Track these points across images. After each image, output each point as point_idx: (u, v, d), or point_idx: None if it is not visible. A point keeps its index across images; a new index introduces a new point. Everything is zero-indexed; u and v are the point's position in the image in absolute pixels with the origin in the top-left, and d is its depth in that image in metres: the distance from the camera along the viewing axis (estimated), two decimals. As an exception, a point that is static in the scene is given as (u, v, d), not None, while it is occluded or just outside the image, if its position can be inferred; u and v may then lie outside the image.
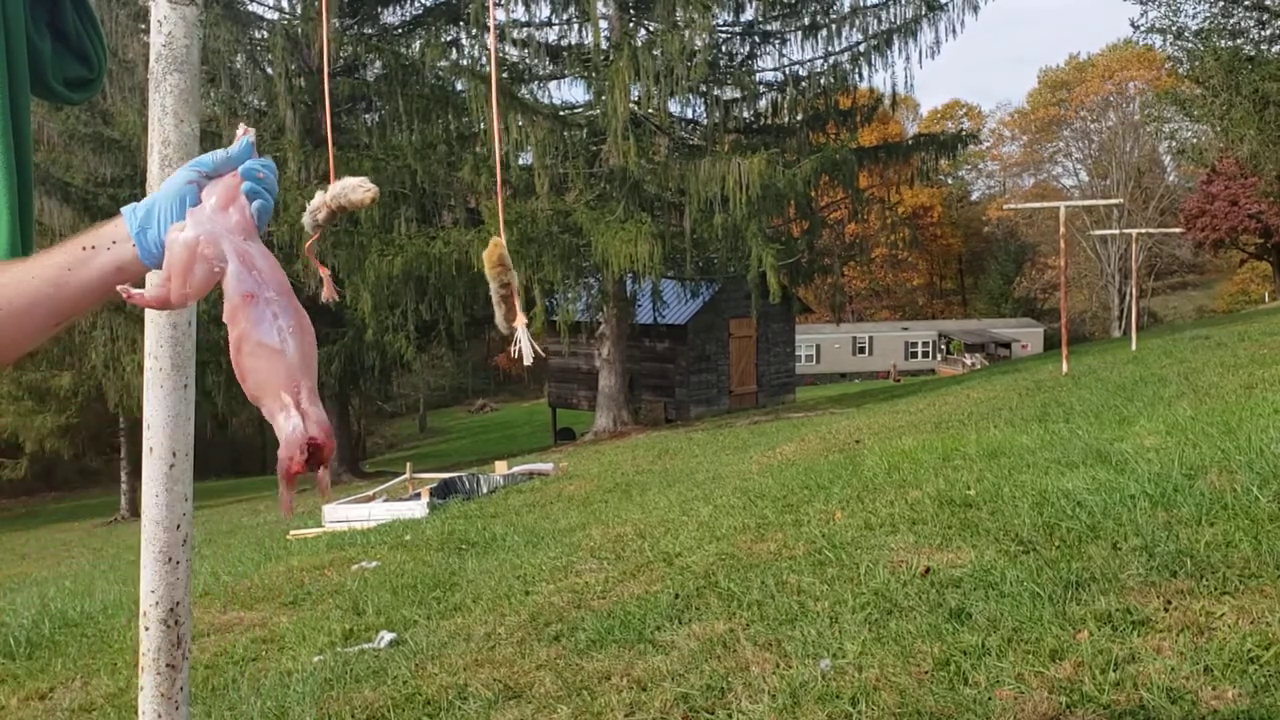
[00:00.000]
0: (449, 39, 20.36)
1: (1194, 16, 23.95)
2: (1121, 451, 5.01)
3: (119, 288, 1.00)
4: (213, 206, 0.99)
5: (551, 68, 20.38)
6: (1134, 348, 15.92)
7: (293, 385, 0.95)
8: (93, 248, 1.01)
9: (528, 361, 2.03)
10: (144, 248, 1.00)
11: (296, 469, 0.94)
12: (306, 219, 1.47)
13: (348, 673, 3.74)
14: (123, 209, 1.02)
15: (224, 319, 0.96)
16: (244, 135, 1.05)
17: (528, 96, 19.27)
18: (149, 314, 1.93)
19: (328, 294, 1.46)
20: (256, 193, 1.01)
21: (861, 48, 19.87)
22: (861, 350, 49.36)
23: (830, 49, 20.08)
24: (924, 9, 19.35)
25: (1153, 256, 52.01)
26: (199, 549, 9.93)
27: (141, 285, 1.02)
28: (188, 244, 0.96)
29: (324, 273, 1.43)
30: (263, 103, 20.06)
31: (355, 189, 1.43)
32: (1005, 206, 42.99)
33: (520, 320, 2.06)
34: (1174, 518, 3.60)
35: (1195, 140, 31.77)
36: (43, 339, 1.05)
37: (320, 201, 1.46)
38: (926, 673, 2.71)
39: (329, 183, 1.47)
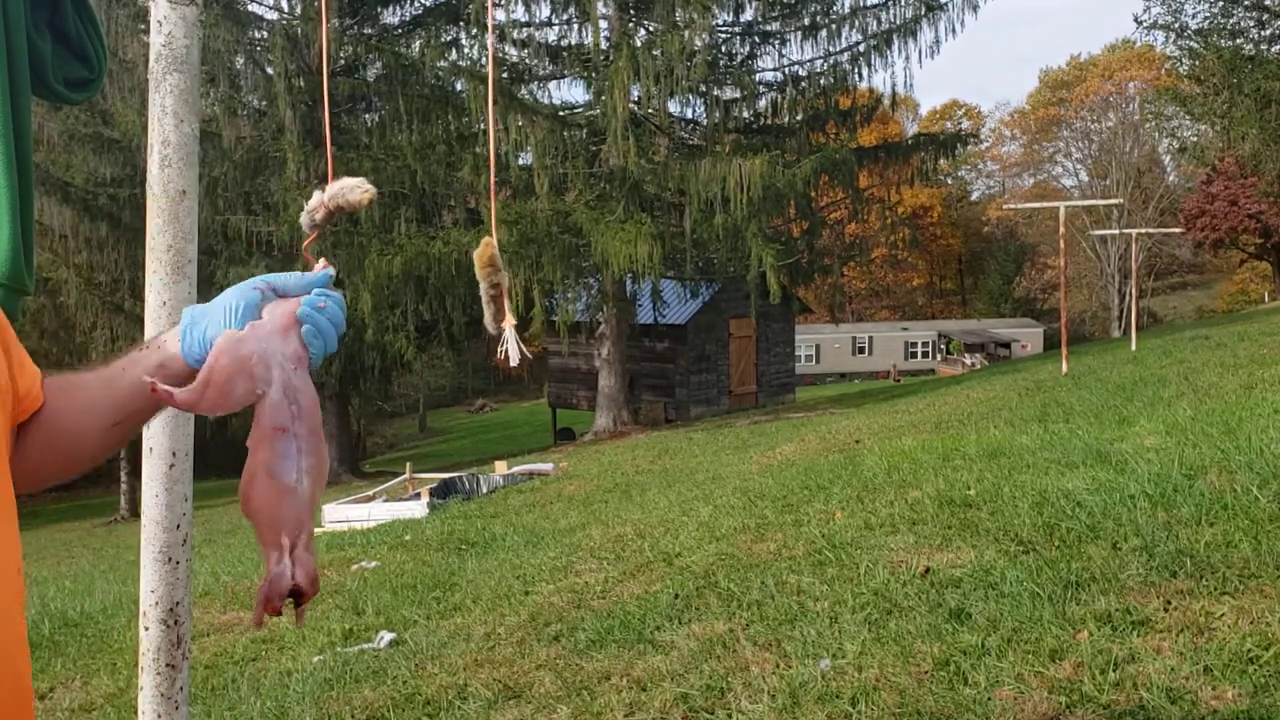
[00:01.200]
0: (449, 39, 20.36)
1: (1195, 15, 23.98)
2: (1121, 452, 5.01)
3: (145, 379, 0.96)
4: (273, 327, 0.97)
5: (551, 68, 20.39)
6: (1134, 348, 15.92)
7: (295, 529, 0.95)
8: (147, 347, 1.02)
9: (514, 362, 2.04)
10: (186, 342, 0.98)
11: (273, 611, 0.95)
12: (304, 219, 1.47)
13: (347, 673, 3.74)
14: (185, 308, 1.02)
15: (248, 443, 0.94)
16: (324, 268, 1.04)
17: (527, 97, 19.27)
18: (149, 314, 1.93)
19: None
20: (315, 327, 0.99)
21: (861, 48, 19.88)
22: (861, 350, 49.34)
23: (830, 49, 20.11)
24: (923, 9, 19.35)
25: (1152, 256, 52.00)
26: (199, 549, 9.93)
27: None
28: (239, 357, 0.94)
29: None
30: (263, 103, 20.06)
31: (353, 189, 1.43)
32: (1005, 206, 43.03)
33: (509, 321, 2.06)
34: (1174, 518, 3.59)
35: (1196, 139, 31.78)
36: (103, 444, 1.03)
37: (318, 202, 1.46)
38: (926, 673, 2.71)
39: (328, 183, 1.47)
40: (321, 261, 1.05)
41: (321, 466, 0.97)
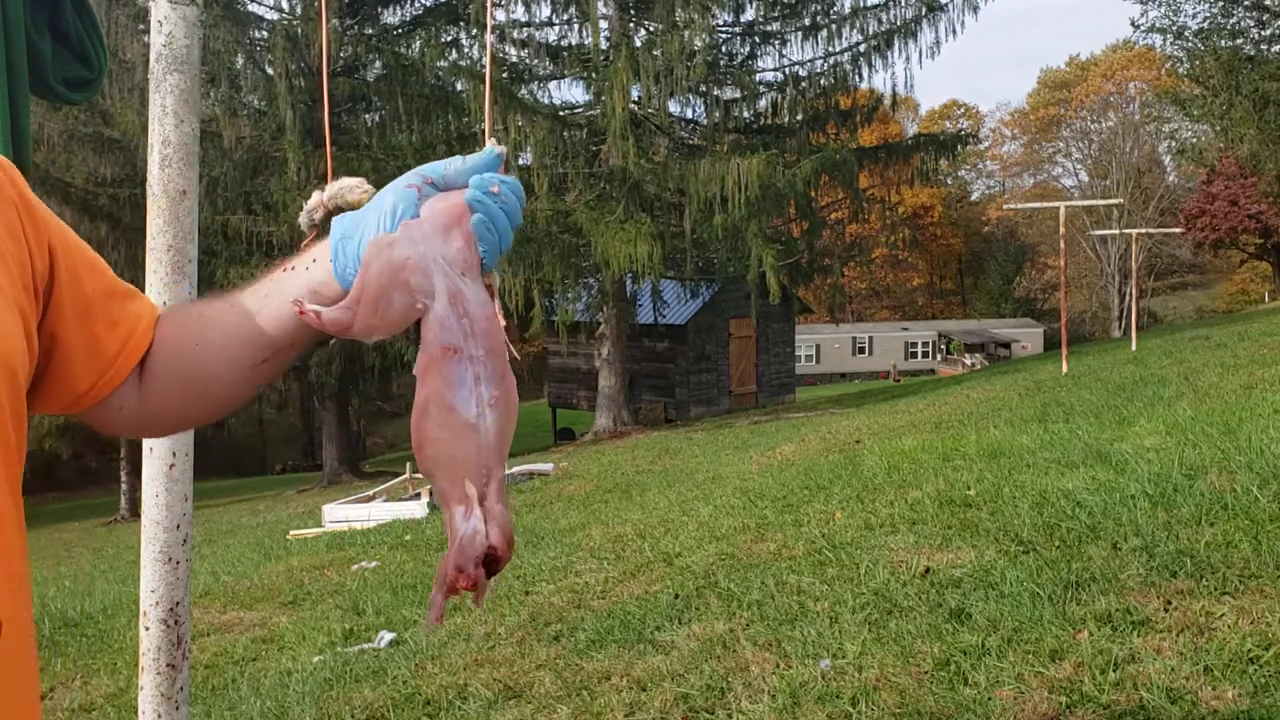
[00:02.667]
0: (449, 39, 20.35)
1: (1194, 16, 23.99)
2: (1121, 452, 5.01)
3: (292, 300, 0.83)
4: (433, 226, 0.81)
5: (551, 68, 20.39)
6: (1134, 348, 15.92)
7: (482, 473, 0.78)
8: (292, 268, 0.88)
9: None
10: (339, 262, 0.83)
11: (465, 585, 0.77)
12: (303, 219, 1.46)
13: (347, 673, 3.74)
14: (334, 217, 0.87)
15: (415, 370, 0.80)
16: (493, 146, 0.87)
17: (527, 97, 19.26)
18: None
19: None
20: (489, 217, 0.82)
21: (861, 48, 19.88)
22: (861, 350, 49.35)
23: (830, 49, 20.10)
24: (924, 10, 19.35)
25: (1152, 256, 52.01)
26: (199, 549, 9.93)
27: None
28: (391, 264, 0.78)
29: None
30: (263, 103, 20.05)
31: (353, 189, 1.43)
32: (1005, 206, 43.02)
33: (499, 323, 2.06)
34: (1174, 518, 3.59)
35: (1195, 140, 31.80)
36: (247, 383, 0.90)
37: (317, 201, 1.46)
38: (926, 673, 2.71)
39: (327, 183, 1.47)
40: (492, 140, 0.89)
41: (509, 397, 0.80)
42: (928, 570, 3.56)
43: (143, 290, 1.86)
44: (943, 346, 49.94)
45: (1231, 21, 23.65)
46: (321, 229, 1.52)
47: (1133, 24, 25.86)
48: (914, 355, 49.50)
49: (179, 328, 0.90)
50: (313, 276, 0.85)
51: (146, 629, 1.94)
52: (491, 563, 0.77)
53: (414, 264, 0.79)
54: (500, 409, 0.79)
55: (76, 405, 0.89)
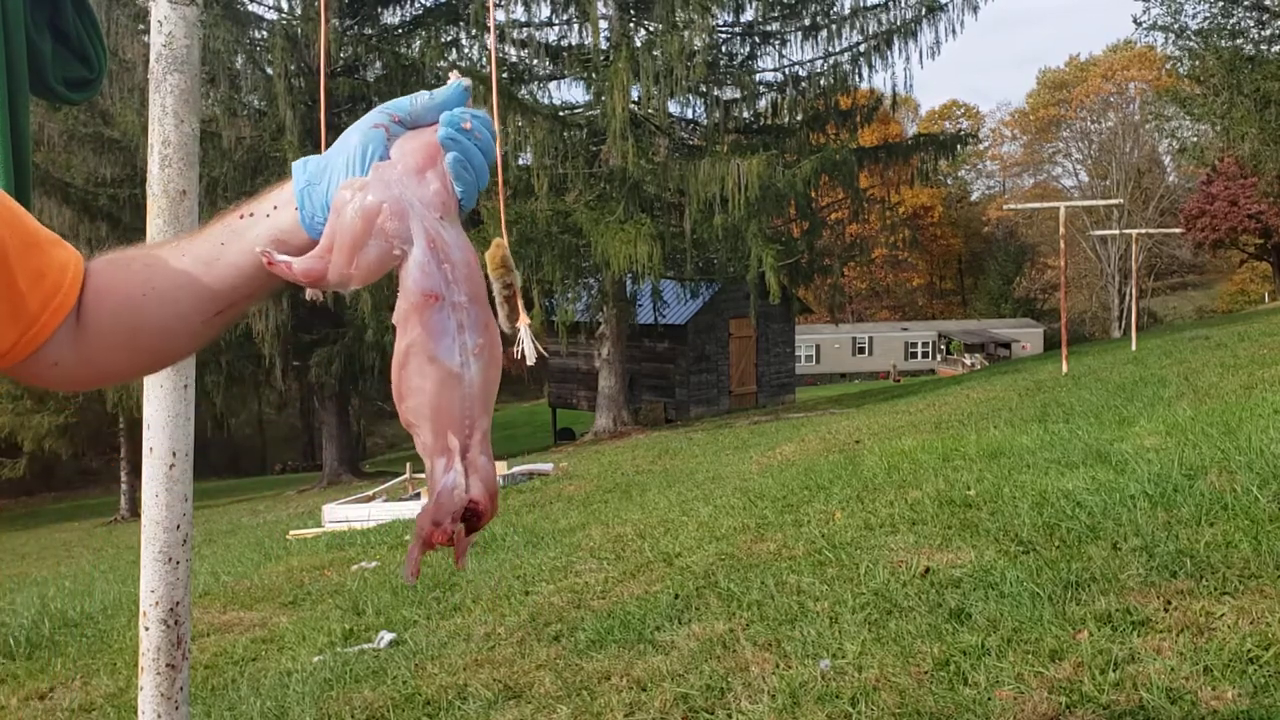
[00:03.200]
0: (449, 39, 20.36)
1: (1194, 16, 24.00)
2: (1121, 452, 5.01)
3: (256, 250, 0.79)
4: (406, 167, 0.77)
5: (551, 68, 20.39)
6: (1134, 348, 15.92)
7: (464, 425, 0.75)
8: (251, 215, 0.82)
9: (530, 361, 2.04)
10: (306, 210, 0.78)
11: (440, 539, 0.74)
12: None
13: (347, 673, 3.74)
14: (294, 162, 0.81)
15: (394, 319, 0.76)
16: (456, 80, 0.82)
17: (527, 97, 19.27)
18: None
19: (312, 293, 1.46)
20: (464, 155, 0.78)
21: (861, 48, 19.89)
22: (861, 350, 49.36)
23: (830, 49, 20.11)
24: (924, 10, 19.36)
25: (1153, 257, 52.03)
26: (199, 549, 9.93)
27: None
28: (365, 211, 0.74)
29: None
30: (262, 103, 20.06)
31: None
32: (1005, 206, 43.05)
33: (524, 320, 2.06)
34: (1174, 518, 3.59)
35: (1196, 140, 31.80)
36: (200, 335, 0.86)
37: None
38: (926, 673, 2.71)
39: None
40: (454, 74, 0.83)
41: (494, 345, 0.77)
42: (928, 570, 3.56)
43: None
44: (943, 347, 49.95)
45: (1232, 21, 23.67)
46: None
47: (1135, 21, 25.89)
48: (914, 355, 49.51)
49: (124, 275, 0.84)
50: (275, 224, 0.80)
51: (146, 629, 1.94)
52: (473, 518, 0.75)
53: (389, 208, 0.74)
54: (485, 358, 0.76)
55: None
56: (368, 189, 0.75)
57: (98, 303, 0.84)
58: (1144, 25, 24.67)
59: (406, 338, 0.75)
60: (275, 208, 0.81)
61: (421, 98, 0.80)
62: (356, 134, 0.79)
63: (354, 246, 0.75)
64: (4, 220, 0.79)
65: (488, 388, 0.76)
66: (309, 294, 1.44)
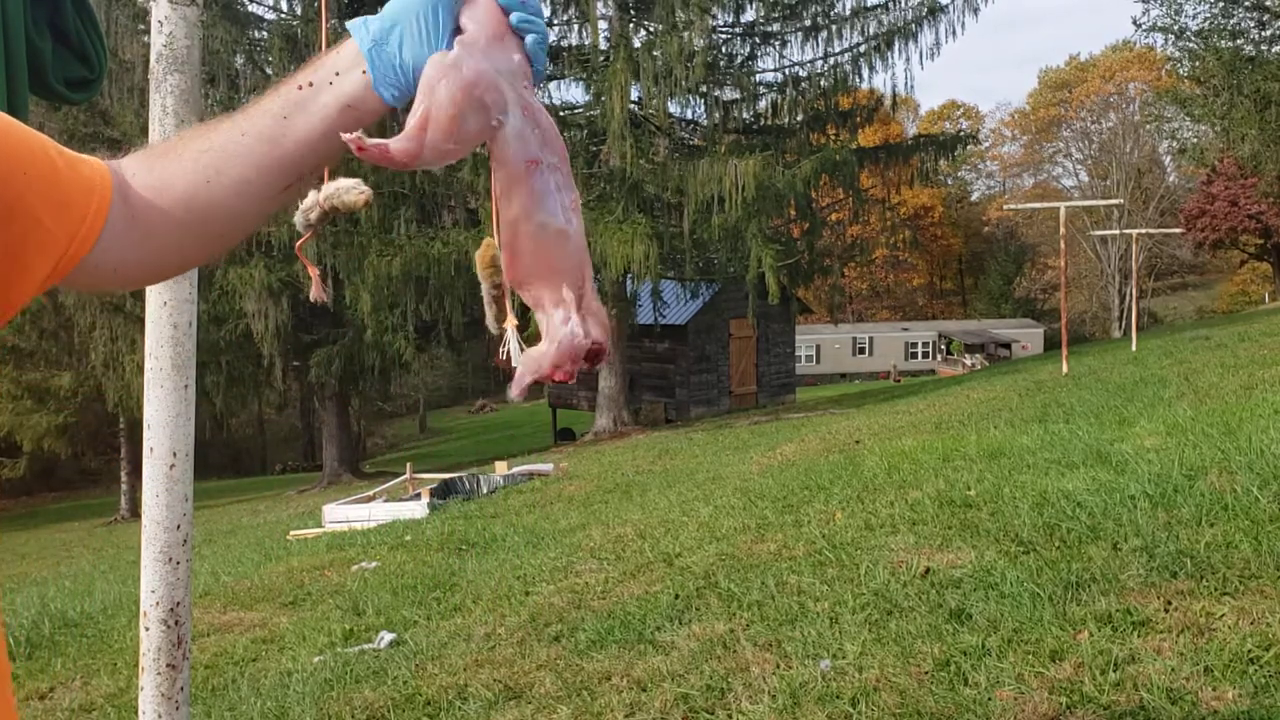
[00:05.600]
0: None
1: (1195, 17, 23.99)
2: (1122, 452, 5.01)
3: (345, 137, 0.77)
4: (488, 39, 0.77)
5: (551, 68, 20.38)
6: (1134, 348, 15.92)
7: (579, 276, 0.79)
8: (310, 85, 0.80)
9: (515, 363, 2.04)
10: (379, 71, 0.77)
11: (563, 377, 0.79)
12: (298, 218, 1.45)
13: (348, 673, 3.74)
14: (349, 23, 0.79)
15: (495, 191, 0.78)
16: None
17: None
18: (148, 314, 1.93)
19: (316, 294, 1.46)
20: (530, 24, 0.79)
21: (861, 49, 19.89)
22: (861, 351, 49.35)
23: (830, 50, 20.11)
24: (924, 12, 19.36)
25: (1153, 257, 52.03)
26: (199, 549, 9.93)
27: (373, 133, 0.80)
28: (464, 84, 0.74)
29: (313, 272, 1.42)
30: (262, 103, 20.06)
31: (349, 190, 1.42)
32: (1005, 207, 43.03)
33: (510, 322, 2.06)
34: (1174, 518, 3.59)
35: (1196, 140, 31.80)
36: (270, 211, 0.86)
37: (313, 201, 1.45)
38: (926, 673, 2.71)
39: (324, 182, 1.45)
40: None
41: (578, 200, 0.81)
42: (928, 570, 3.56)
43: (143, 294, 1.86)
44: (943, 347, 49.94)
45: (1232, 22, 23.66)
46: (317, 228, 1.51)
47: (1135, 22, 25.86)
48: (914, 355, 49.50)
49: (177, 168, 0.82)
50: (341, 90, 0.79)
51: (146, 629, 1.94)
52: (595, 356, 0.80)
53: (487, 80, 0.75)
54: (578, 210, 0.80)
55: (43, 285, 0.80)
56: (462, 62, 0.75)
57: (155, 200, 0.81)
58: (1144, 27, 24.67)
59: (514, 205, 0.78)
60: (337, 74, 0.79)
61: None
62: None
63: (453, 121, 0.75)
64: (20, 166, 0.74)
65: (585, 239, 0.81)
66: (313, 295, 1.45)
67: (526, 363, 0.81)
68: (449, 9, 0.77)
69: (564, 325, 0.78)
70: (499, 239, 0.81)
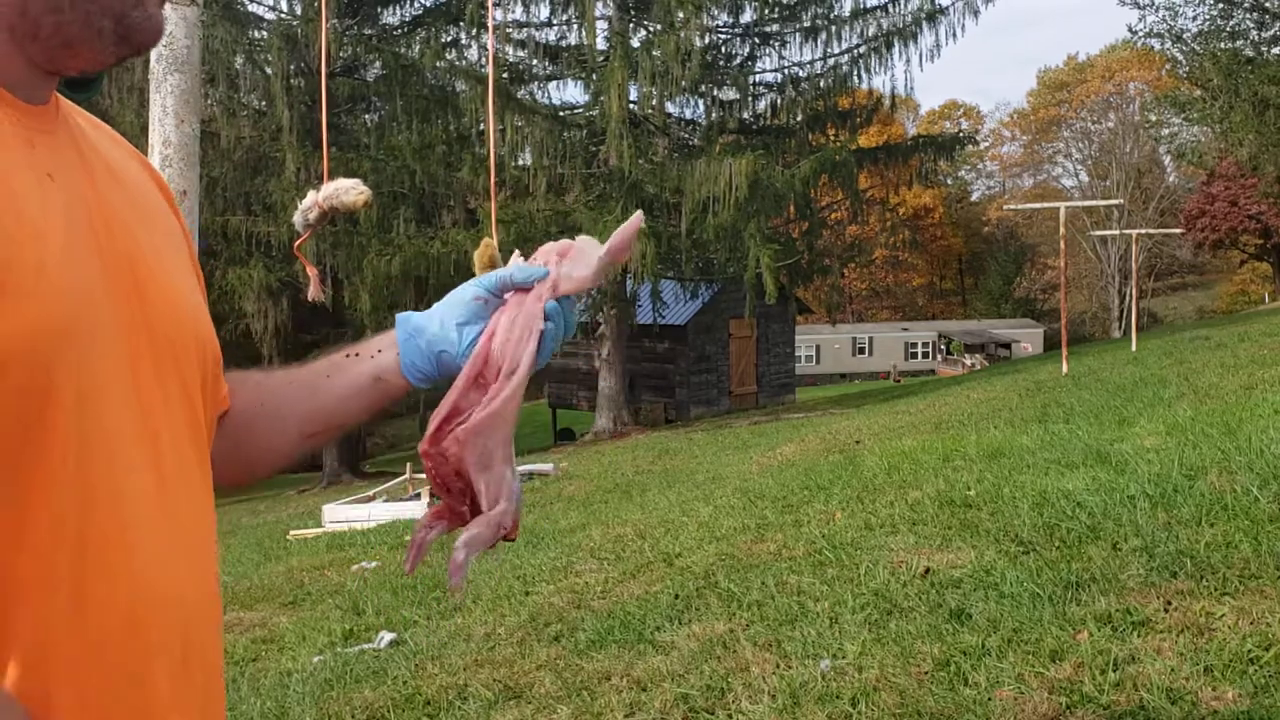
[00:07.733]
0: (448, 39, 20.35)
1: (1193, 19, 23.97)
2: (1121, 452, 5.01)
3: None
4: (525, 327, 0.91)
5: (550, 68, 20.39)
6: (1134, 348, 15.91)
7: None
8: (355, 355, 0.95)
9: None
10: (407, 358, 0.92)
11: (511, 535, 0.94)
12: (298, 218, 1.45)
13: (347, 673, 3.74)
14: (398, 314, 0.95)
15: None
16: (520, 258, 0.98)
17: (526, 97, 19.26)
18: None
19: (314, 293, 1.46)
20: (555, 330, 0.94)
21: (861, 50, 19.89)
22: (861, 351, 49.34)
23: (830, 51, 20.12)
24: (924, 14, 19.36)
25: (1153, 257, 52.03)
26: (198, 549, 9.90)
27: (398, 404, 0.98)
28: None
29: (312, 272, 1.42)
30: (262, 103, 20.04)
31: (348, 191, 1.41)
32: (1005, 207, 43.08)
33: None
34: (1174, 518, 3.59)
35: (1195, 142, 31.81)
36: (291, 455, 0.97)
37: (312, 201, 1.44)
38: (926, 673, 2.71)
39: (323, 182, 1.45)
40: (516, 254, 0.99)
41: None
42: (928, 570, 3.56)
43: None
44: (943, 347, 49.94)
45: (1231, 24, 23.63)
46: (316, 228, 1.51)
47: (1130, 30, 25.75)
48: (914, 356, 49.48)
49: (241, 390, 0.93)
50: (378, 364, 0.94)
51: (146, 629, 1.93)
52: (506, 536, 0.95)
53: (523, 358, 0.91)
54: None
55: None
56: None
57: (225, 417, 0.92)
58: (1140, 34, 24.64)
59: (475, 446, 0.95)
60: (379, 351, 0.94)
61: (517, 272, 0.94)
62: (457, 297, 0.93)
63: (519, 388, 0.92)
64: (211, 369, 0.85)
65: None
66: (311, 294, 1.45)
67: (481, 532, 0.94)
68: (479, 318, 0.91)
69: (515, 482, 0.92)
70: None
